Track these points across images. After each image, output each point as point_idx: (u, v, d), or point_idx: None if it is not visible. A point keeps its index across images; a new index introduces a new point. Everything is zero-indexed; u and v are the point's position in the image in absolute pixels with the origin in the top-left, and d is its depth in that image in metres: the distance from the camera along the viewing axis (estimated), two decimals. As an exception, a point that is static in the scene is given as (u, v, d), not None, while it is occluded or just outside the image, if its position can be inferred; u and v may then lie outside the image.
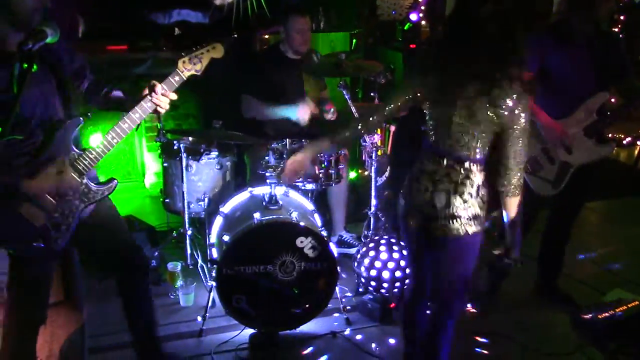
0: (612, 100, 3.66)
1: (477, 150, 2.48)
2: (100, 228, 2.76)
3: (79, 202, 2.58)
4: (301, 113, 4.23)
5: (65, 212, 2.54)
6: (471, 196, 2.51)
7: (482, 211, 2.55)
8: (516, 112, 2.38)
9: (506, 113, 2.38)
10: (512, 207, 2.57)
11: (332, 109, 4.47)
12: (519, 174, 2.49)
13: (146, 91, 2.60)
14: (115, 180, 2.70)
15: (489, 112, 2.39)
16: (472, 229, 2.52)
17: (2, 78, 2.14)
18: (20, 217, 2.42)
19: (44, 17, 2.08)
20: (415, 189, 2.61)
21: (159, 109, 2.63)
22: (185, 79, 2.71)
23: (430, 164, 2.57)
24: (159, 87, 2.59)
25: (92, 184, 2.62)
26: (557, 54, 3.43)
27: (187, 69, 2.71)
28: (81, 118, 2.54)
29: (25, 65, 1.78)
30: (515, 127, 2.41)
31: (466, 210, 2.51)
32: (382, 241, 3.82)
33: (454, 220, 2.50)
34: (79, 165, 2.54)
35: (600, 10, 3.36)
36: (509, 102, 2.36)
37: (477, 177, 2.52)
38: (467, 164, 2.50)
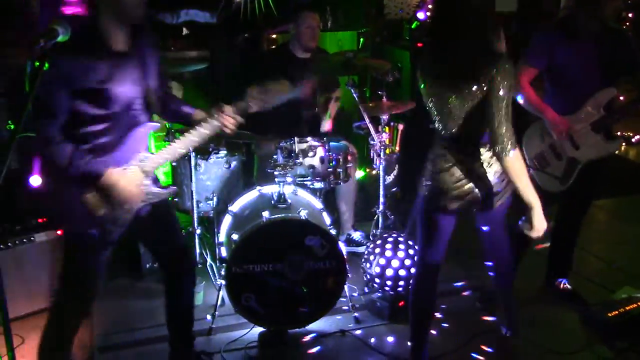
0: (621, 97, 3.66)
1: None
2: (154, 227, 2.86)
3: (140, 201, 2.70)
4: (303, 90, 4.24)
5: (125, 208, 2.63)
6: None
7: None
8: (497, 82, 2.57)
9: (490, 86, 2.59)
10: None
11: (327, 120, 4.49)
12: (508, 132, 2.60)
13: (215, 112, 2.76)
14: (174, 187, 2.93)
15: (478, 93, 2.62)
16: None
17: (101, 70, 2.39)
18: (85, 204, 2.53)
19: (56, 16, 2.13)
20: (447, 182, 2.80)
21: (224, 128, 2.77)
22: (251, 107, 2.85)
23: (453, 155, 2.78)
24: (227, 108, 2.76)
25: (154, 186, 2.73)
26: (564, 50, 3.43)
27: (255, 98, 2.84)
28: (158, 124, 2.74)
29: (37, 64, 1.80)
30: (497, 94, 2.56)
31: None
32: (391, 239, 3.82)
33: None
34: (145, 166, 2.65)
35: (606, 7, 3.36)
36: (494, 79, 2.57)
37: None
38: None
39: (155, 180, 2.79)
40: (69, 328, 2.77)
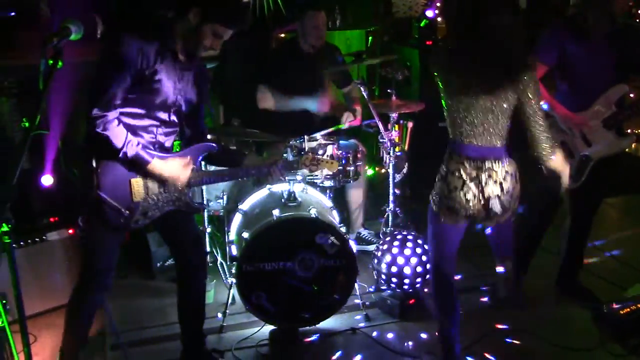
0: (631, 95, 3.64)
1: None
2: (173, 218, 2.98)
3: (171, 204, 2.89)
4: (321, 105, 4.24)
5: (158, 204, 2.84)
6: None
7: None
8: (533, 88, 2.65)
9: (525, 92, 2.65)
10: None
11: (356, 111, 4.48)
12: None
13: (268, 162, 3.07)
14: (204, 206, 3.19)
15: (511, 100, 2.66)
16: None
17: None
18: (127, 186, 2.73)
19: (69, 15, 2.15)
20: (461, 200, 2.77)
21: (270, 178, 3.07)
22: (299, 174, 3.34)
23: (466, 171, 2.75)
24: (280, 164, 3.05)
25: (190, 198, 2.94)
26: (574, 47, 3.42)
27: (306, 166, 3.14)
28: (217, 146, 2.98)
29: (51, 62, 1.81)
30: (535, 99, 2.66)
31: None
32: (401, 237, 3.81)
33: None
34: (191, 178, 2.88)
35: (614, 4, 3.34)
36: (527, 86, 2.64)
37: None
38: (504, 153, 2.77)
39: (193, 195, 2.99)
40: (87, 301, 2.94)
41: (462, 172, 2.75)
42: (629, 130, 3.61)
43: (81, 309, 2.97)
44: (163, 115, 2.79)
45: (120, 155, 2.63)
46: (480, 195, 2.74)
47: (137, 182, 2.76)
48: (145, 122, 2.77)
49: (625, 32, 3.43)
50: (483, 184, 2.73)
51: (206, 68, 3.04)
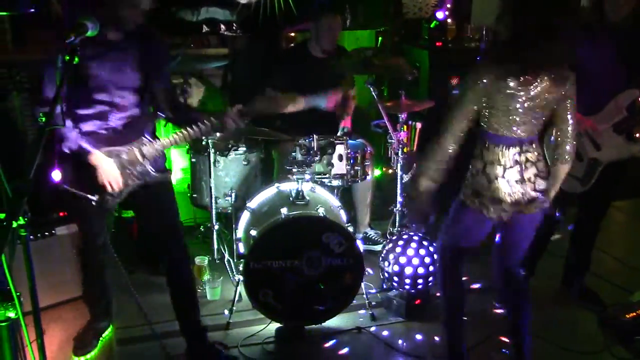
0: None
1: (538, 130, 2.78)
2: (148, 204, 3.15)
3: (134, 178, 2.99)
4: (329, 101, 4.26)
5: (123, 181, 2.93)
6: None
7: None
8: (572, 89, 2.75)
9: (563, 92, 2.71)
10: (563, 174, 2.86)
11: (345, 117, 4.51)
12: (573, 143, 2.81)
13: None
14: (170, 172, 3.16)
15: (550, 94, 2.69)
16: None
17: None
18: (90, 173, 2.85)
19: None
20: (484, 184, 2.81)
21: (225, 127, 3.06)
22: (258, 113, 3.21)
23: (503, 154, 2.77)
24: (232, 110, 3.05)
25: (151, 168, 3.01)
26: (584, 50, 3.40)
27: (262, 105, 3.20)
28: (160, 114, 3.05)
29: (67, 58, 1.83)
30: (569, 100, 2.75)
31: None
32: (407, 237, 3.83)
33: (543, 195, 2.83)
34: (145, 150, 2.97)
35: (621, 7, 3.34)
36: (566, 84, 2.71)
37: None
38: (535, 144, 2.78)
39: (156, 163, 3.05)
40: (89, 260, 3.29)
41: (484, 154, 2.80)
42: (637, 135, 3.59)
43: (87, 268, 3.29)
44: (106, 99, 2.87)
45: (64, 148, 2.81)
46: (503, 179, 2.77)
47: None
48: (93, 109, 2.88)
49: (634, 35, 3.42)
50: (508, 167, 2.76)
51: (157, 42, 3.03)
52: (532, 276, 3.92)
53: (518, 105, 2.66)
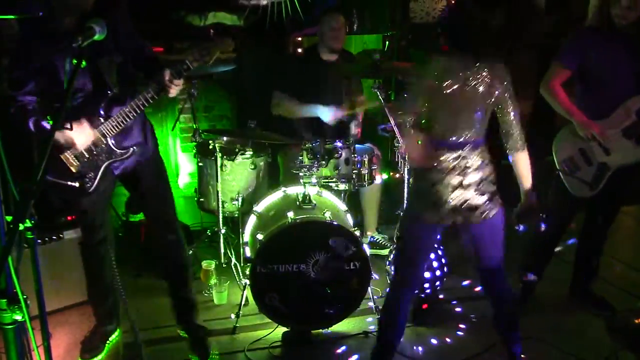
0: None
1: (482, 132, 2.78)
2: (140, 191, 3.26)
3: (103, 158, 3.01)
4: (331, 118, 4.28)
5: (92, 163, 2.98)
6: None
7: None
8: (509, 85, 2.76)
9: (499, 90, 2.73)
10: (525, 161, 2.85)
11: (356, 122, 4.51)
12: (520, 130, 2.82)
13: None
14: (133, 148, 3.07)
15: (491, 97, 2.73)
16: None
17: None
18: (61, 161, 2.91)
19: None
20: (444, 194, 2.76)
21: (170, 90, 2.93)
22: (192, 68, 2.98)
23: (445, 163, 2.75)
24: (167, 72, 2.89)
25: (115, 146, 3.01)
26: (597, 52, 3.40)
27: (195, 57, 2.96)
28: (110, 91, 2.93)
29: (75, 61, 1.84)
30: (507, 94, 2.76)
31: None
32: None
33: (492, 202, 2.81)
34: (103, 128, 2.93)
35: (629, 13, 3.30)
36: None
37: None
38: (481, 148, 2.78)
39: (121, 140, 3.03)
40: (90, 252, 3.31)
41: (441, 165, 2.78)
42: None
43: (87, 262, 3.33)
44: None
45: (25, 131, 2.81)
46: (462, 185, 2.76)
47: (66, 156, 2.93)
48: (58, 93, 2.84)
49: None
50: (464, 172, 2.76)
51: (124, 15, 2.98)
52: (540, 279, 3.90)
53: (457, 106, 2.70)
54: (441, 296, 3.95)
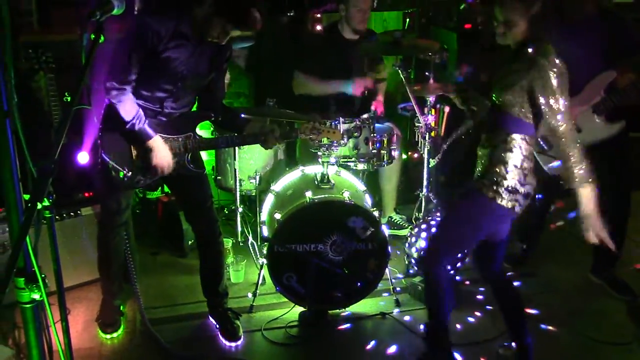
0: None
1: None
2: (177, 185, 3.33)
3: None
4: (356, 88, 4.20)
5: (154, 171, 3.04)
6: None
7: None
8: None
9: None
10: None
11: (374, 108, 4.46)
12: None
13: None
14: (204, 172, 3.28)
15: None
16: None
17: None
18: (129, 149, 3.03)
19: None
20: None
21: (265, 145, 3.19)
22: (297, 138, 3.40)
23: None
24: (277, 133, 3.16)
25: (188, 162, 3.14)
26: (559, 33, 3.38)
27: (306, 135, 3.28)
28: (212, 114, 3.20)
29: (93, 36, 1.80)
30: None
31: None
32: (433, 222, 3.77)
33: None
34: (188, 143, 3.10)
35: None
36: None
37: None
38: None
39: (194, 160, 3.16)
40: (107, 241, 3.32)
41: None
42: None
43: (106, 242, 3.32)
44: (168, 87, 2.96)
45: (127, 126, 2.88)
46: None
47: (137, 150, 3.02)
48: (154, 93, 2.97)
49: (610, 19, 3.44)
50: None
51: (228, 48, 3.10)
52: (532, 250, 4.08)
53: None
54: (458, 278, 3.92)
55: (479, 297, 3.80)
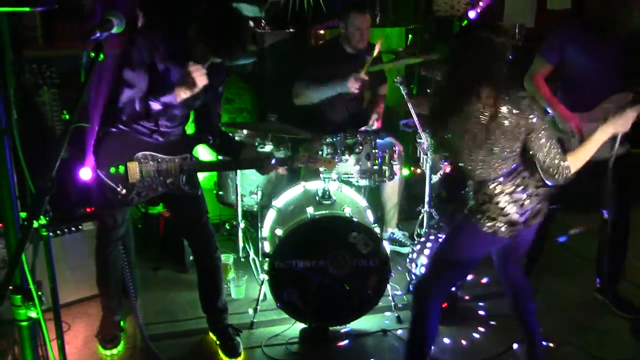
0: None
1: None
2: (171, 201, 3.32)
3: (164, 187, 3.12)
4: (351, 84, 4.18)
5: (152, 186, 3.08)
6: None
7: None
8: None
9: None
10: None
11: (376, 118, 4.46)
12: None
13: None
14: (200, 191, 3.29)
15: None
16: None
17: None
18: (125, 168, 3.00)
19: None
20: None
21: (261, 171, 3.29)
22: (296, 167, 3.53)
23: None
24: (273, 159, 3.24)
25: (184, 183, 3.14)
26: (578, 49, 3.49)
27: (302, 163, 3.35)
28: (210, 138, 3.21)
29: (93, 54, 1.81)
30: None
31: None
32: (435, 239, 3.76)
33: None
34: (184, 165, 3.11)
35: (632, 16, 3.35)
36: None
37: None
38: None
39: (189, 181, 3.17)
40: (106, 249, 3.29)
41: None
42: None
43: (103, 257, 3.31)
44: (155, 106, 2.92)
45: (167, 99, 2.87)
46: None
47: (133, 166, 3.01)
48: (150, 110, 2.93)
49: (634, 40, 3.42)
50: None
51: (222, 70, 3.12)
52: (534, 262, 3.99)
53: None
54: (460, 294, 3.89)
55: (481, 312, 3.78)
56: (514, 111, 2.54)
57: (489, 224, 2.70)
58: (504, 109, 2.53)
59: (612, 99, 3.47)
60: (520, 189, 2.69)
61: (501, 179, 2.68)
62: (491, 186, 2.69)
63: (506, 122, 2.54)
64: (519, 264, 3.09)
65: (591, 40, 3.46)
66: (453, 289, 3.69)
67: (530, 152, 2.64)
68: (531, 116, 2.56)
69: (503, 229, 2.70)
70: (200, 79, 2.86)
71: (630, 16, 3.35)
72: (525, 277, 3.16)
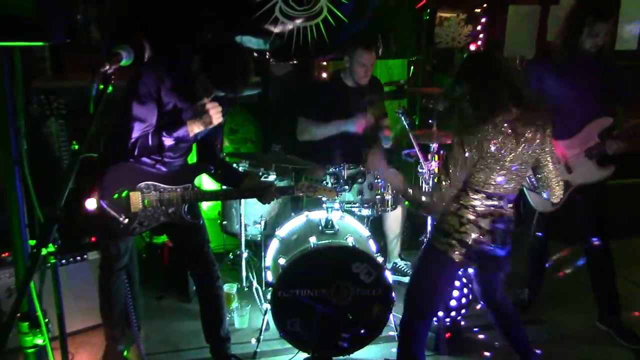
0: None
1: None
2: (172, 229, 3.33)
3: (166, 217, 3.12)
4: (358, 125, 4.24)
5: (154, 216, 3.09)
6: None
7: None
8: None
9: None
10: None
11: (390, 136, 4.51)
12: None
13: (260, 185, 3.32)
14: (201, 221, 3.31)
15: None
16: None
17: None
18: (126, 198, 3.00)
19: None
20: None
21: (262, 200, 3.27)
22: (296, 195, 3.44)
23: None
24: (273, 188, 3.25)
25: (186, 213, 3.14)
26: (553, 79, 3.58)
27: (302, 192, 3.36)
28: (211, 167, 3.29)
29: (102, 87, 1.86)
30: None
31: None
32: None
33: None
34: (186, 195, 3.11)
35: (585, 43, 3.48)
36: None
37: None
38: None
39: (190, 210, 3.18)
40: (108, 285, 3.29)
41: None
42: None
43: (107, 286, 3.30)
44: (167, 141, 2.97)
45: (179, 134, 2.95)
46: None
47: (136, 195, 3.02)
48: (162, 144, 2.98)
49: (603, 65, 3.54)
50: None
51: (225, 100, 3.14)
52: (536, 292, 4.08)
53: None
54: (465, 323, 3.89)
55: (485, 342, 3.77)
56: None
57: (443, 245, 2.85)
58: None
59: (593, 124, 3.56)
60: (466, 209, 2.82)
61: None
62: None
63: None
64: (504, 292, 3.16)
65: (563, 69, 3.56)
66: (459, 318, 3.70)
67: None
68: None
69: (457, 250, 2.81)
70: (217, 116, 2.94)
71: (580, 40, 3.47)
72: (512, 305, 3.26)
